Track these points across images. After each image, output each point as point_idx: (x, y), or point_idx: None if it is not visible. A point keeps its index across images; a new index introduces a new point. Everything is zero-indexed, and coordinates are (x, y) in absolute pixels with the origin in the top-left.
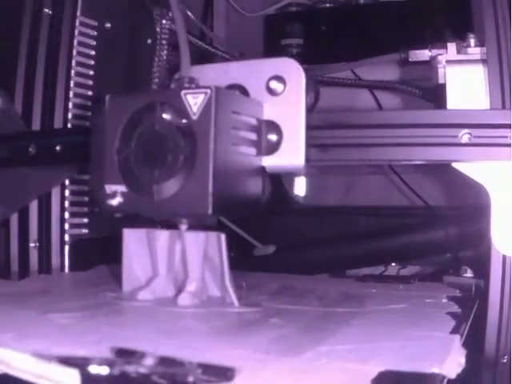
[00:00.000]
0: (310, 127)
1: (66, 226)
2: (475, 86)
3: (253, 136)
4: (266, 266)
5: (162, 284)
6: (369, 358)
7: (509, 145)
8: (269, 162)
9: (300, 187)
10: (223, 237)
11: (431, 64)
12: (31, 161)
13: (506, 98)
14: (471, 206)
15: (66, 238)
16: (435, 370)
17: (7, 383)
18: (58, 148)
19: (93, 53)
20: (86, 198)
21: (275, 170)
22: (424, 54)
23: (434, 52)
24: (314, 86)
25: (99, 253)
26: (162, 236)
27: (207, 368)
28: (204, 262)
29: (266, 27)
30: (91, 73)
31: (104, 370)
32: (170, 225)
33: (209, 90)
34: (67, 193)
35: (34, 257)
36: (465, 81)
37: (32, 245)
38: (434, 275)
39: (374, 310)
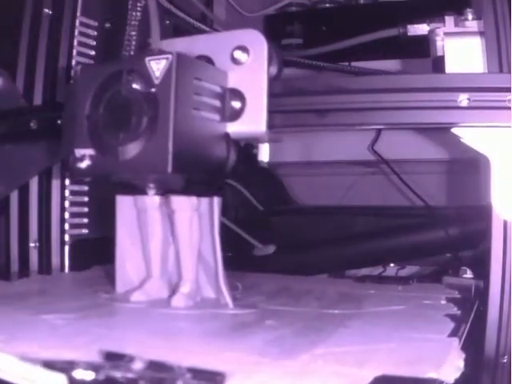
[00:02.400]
0: (272, 95)
1: (66, 226)
2: (473, 57)
3: (216, 102)
4: (265, 266)
5: (156, 285)
6: (364, 361)
7: (508, 108)
8: (233, 128)
9: (264, 153)
10: (216, 200)
11: (429, 37)
12: (33, 136)
13: (503, 64)
14: (471, 206)
15: (66, 238)
16: (432, 374)
17: None
18: (59, 122)
19: (93, 53)
20: (86, 198)
21: (239, 135)
22: (422, 28)
23: (432, 26)
24: (279, 56)
25: (99, 253)
26: (153, 203)
27: (197, 373)
28: (198, 262)
29: (266, 27)
30: None
31: (89, 375)
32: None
33: (170, 56)
34: (67, 193)
35: (34, 257)
36: (463, 52)
37: (32, 245)
38: (433, 276)
39: (371, 312)
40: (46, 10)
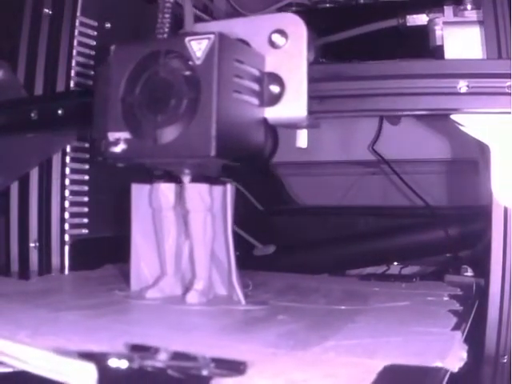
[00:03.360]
0: (311, 80)
1: (66, 226)
2: (472, 46)
3: (255, 86)
4: (265, 266)
5: (170, 283)
6: (374, 352)
7: (508, 94)
8: (271, 113)
9: (302, 140)
10: (230, 187)
11: (429, 27)
12: (34, 126)
13: (502, 50)
14: (471, 206)
15: (66, 238)
16: (438, 363)
17: (25, 380)
18: (60, 112)
19: (93, 53)
20: (86, 198)
21: (277, 121)
22: (421, 18)
23: (432, 16)
24: (315, 42)
25: (99, 253)
26: (168, 204)
27: (220, 362)
28: (211, 260)
29: None
30: (91, 73)
31: (123, 364)
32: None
33: (212, 36)
34: (67, 193)
35: (34, 257)
36: (461, 41)
37: (32, 245)
38: (435, 274)
39: (377, 308)
40: (46, 10)
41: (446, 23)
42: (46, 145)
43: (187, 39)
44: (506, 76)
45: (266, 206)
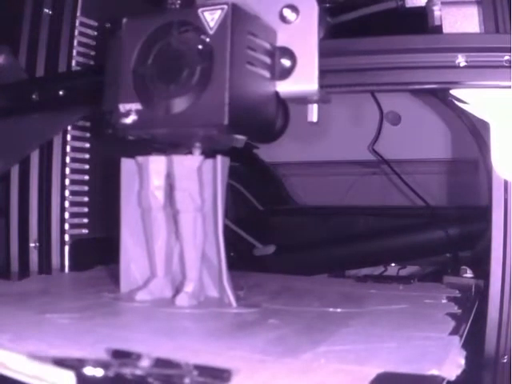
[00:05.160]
0: (322, 54)
1: (66, 226)
2: (470, 25)
3: (267, 59)
4: (265, 266)
5: (160, 284)
6: (367, 359)
7: (508, 67)
8: (282, 86)
9: (313, 114)
10: (220, 159)
11: (427, 7)
12: (35, 108)
13: (499, 26)
14: (471, 206)
15: (66, 238)
16: (434, 371)
17: None
18: (61, 93)
19: (93, 53)
20: (86, 198)
21: (289, 94)
22: None
23: None
24: (326, 19)
25: (99, 253)
26: (158, 203)
27: (204, 370)
28: (202, 262)
29: None
30: None
31: (99, 372)
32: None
33: (226, 6)
34: (67, 193)
35: (34, 257)
36: (460, 21)
37: (32, 245)
38: (433, 275)
39: (373, 311)
40: (46, 10)
41: (444, 3)
42: (47, 127)
43: (200, 10)
44: (504, 50)
45: (266, 206)
